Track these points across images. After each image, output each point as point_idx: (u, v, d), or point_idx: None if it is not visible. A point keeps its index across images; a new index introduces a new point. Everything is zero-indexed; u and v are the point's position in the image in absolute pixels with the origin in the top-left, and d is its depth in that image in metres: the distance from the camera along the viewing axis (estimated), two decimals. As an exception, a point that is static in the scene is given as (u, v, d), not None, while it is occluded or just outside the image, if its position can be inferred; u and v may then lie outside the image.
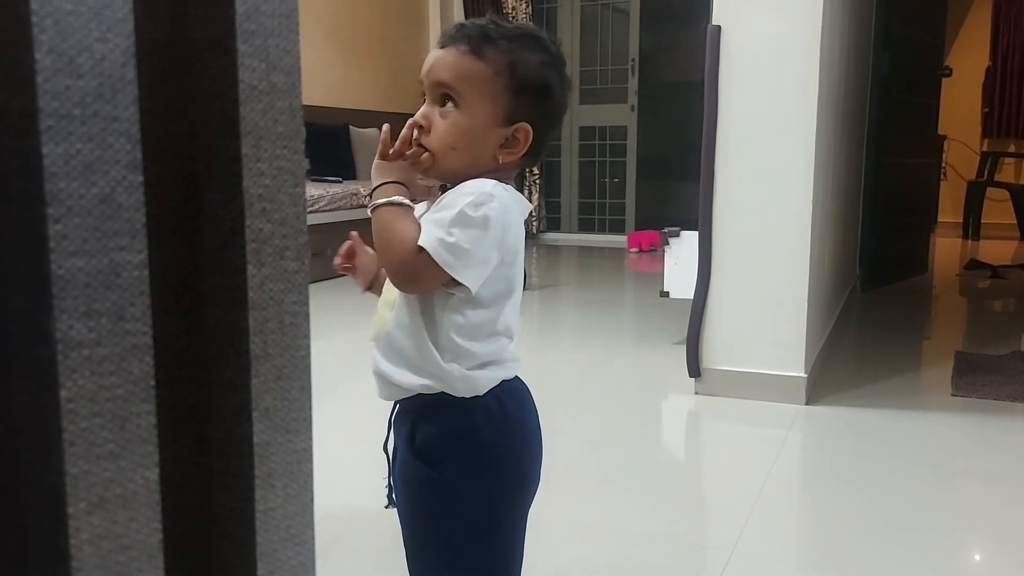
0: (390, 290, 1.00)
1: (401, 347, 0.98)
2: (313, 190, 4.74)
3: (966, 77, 7.54)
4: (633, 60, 6.56)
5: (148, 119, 0.39)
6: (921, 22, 4.65)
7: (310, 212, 4.61)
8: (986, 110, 7.79)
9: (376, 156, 0.97)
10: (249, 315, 0.41)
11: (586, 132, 6.83)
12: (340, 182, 5.15)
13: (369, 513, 1.82)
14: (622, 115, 6.66)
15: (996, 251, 6.13)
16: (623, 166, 6.74)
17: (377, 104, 6.31)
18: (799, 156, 2.47)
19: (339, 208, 4.84)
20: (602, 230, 6.84)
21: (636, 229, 6.44)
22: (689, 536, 1.76)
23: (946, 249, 6.45)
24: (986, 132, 7.83)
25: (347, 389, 2.78)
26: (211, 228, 0.41)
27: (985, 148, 7.62)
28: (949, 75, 4.97)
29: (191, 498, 0.42)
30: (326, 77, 5.86)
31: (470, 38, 0.94)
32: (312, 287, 4.25)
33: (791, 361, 2.56)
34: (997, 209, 7.10)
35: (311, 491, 0.45)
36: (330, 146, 5.70)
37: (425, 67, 0.96)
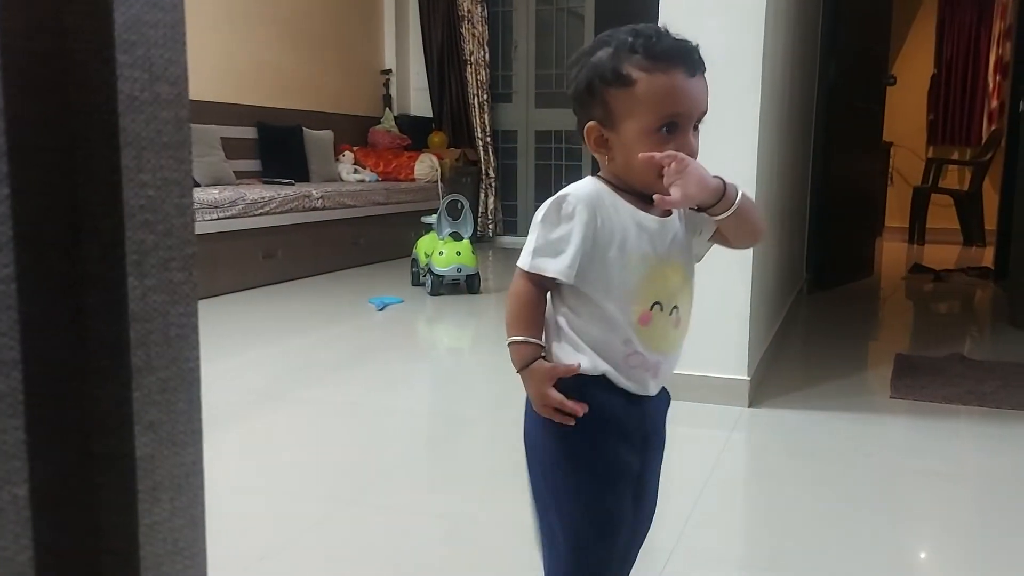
0: (674, 299, 1.05)
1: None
2: (264, 192, 4.69)
3: (912, 85, 7.71)
4: (588, 64, 6.60)
5: (25, 131, 0.38)
6: (867, 31, 4.75)
7: (260, 214, 4.56)
8: (931, 117, 7.98)
9: (692, 172, 0.98)
10: (130, 327, 0.41)
11: (542, 136, 6.85)
12: (292, 184, 5.10)
13: (313, 519, 1.81)
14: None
15: (940, 255, 6.29)
16: (578, 170, 6.77)
17: (331, 105, 6.27)
18: (742, 161, 2.51)
19: (291, 210, 4.79)
20: (557, 233, 6.86)
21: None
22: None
23: (892, 253, 6.59)
24: (931, 139, 8.02)
25: (297, 394, 2.76)
26: (91, 240, 0.41)
27: (930, 155, 7.80)
28: (893, 83, 5.09)
29: (74, 514, 0.42)
30: (278, 78, 5.80)
31: (702, 62, 1.01)
32: (262, 291, 4.24)
33: (734, 364, 2.60)
34: (941, 214, 7.28)
35: (202, 504, 0.45)
36: (282, 147, 5.65)
37: (690, 102, 0.99)
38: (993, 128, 7.36)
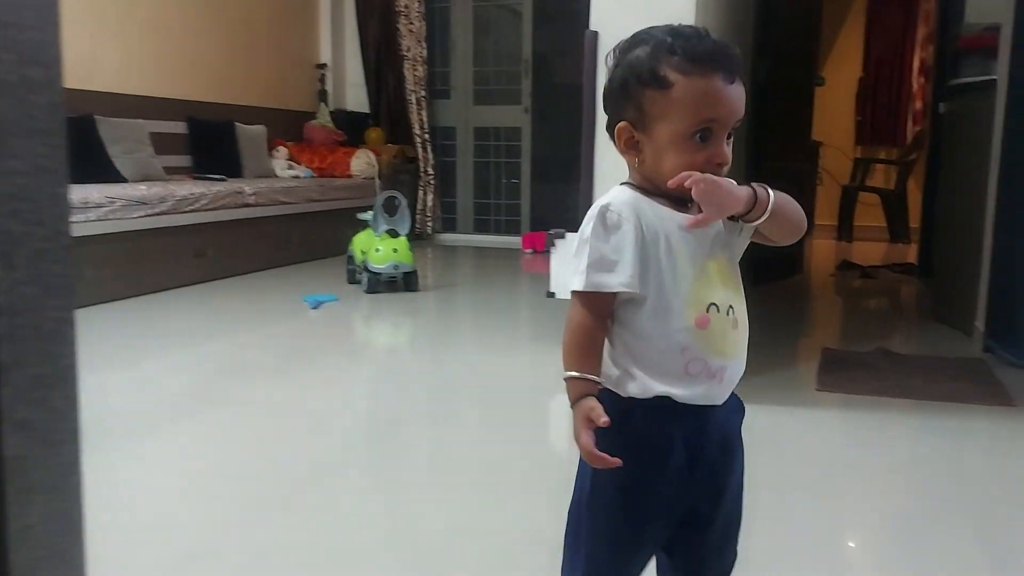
0: (728, 299, 1.01)
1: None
2: (194, 188, 4.58)
3: (840, 86, 7.91)
4: (526, 62, 6.61)
5: None
6: (797, 33, 4.86)
7: (191, 211, 4.46)
8: (859, 118, 8.20)
9: (716, 192, 0.95)
10: (-2, 321, 0.39)
11: (481, 133, 6.84)
12: (224, 180, 5.00)
13: (240, 522, 1.77)
14: (516, 116, 6.71)
15: (867, 252, 6.46)
16: (517, 167, 6.78)
17: (264, 100, 6.17)
18: (673, 160, 2.54)
19: (222, 207, 4.69)
20: (498, 231, 6.86)
21: (531, 230, 6.49)
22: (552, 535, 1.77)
23: (822, 250, 6.76)
24: (859, 139, 8.24)
25: (227, 396, 2.70)
26: (-46, 230, 0.38)
27: (858, 155, 8.02)
28: (823, 84, 5.21)
29: (-61, 518, 0.40)
30: (209, 72, 5.68)
31: (740, 67, 0.98)
32: (192, 290, 4.14)
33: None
34: (869, 213, 7.49)
35: (80, 506, 0.43)
36: (214, 143, 5.53)
37: (727, 108, 0.96)
38: (917, 129, 7.59)
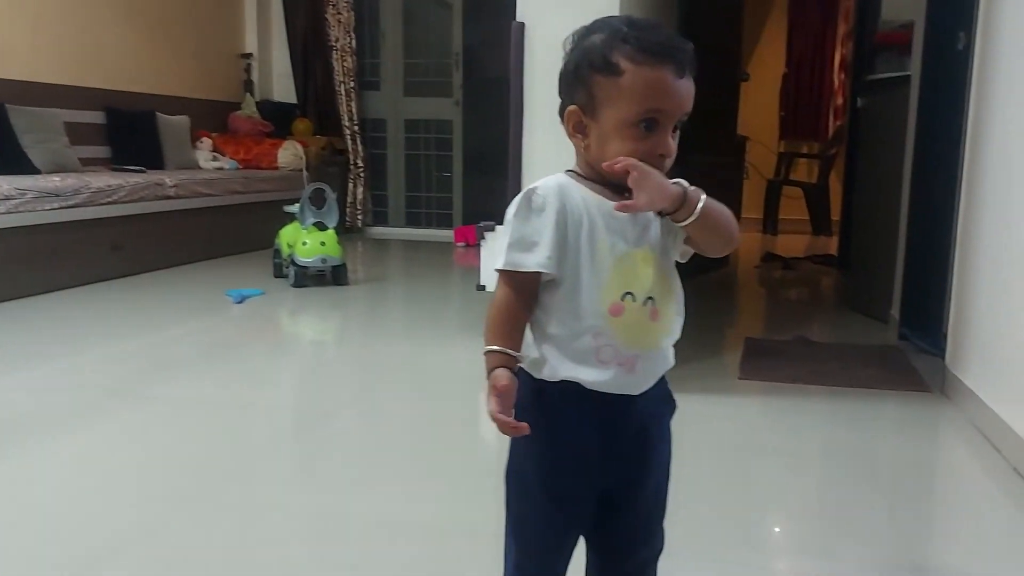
0: (648, 290, 1.02)
1: (675, 332, 1.07)
2: (111, 180, 4.43)
3: (765, 82, 8.08)
4: (457, 54, 6.58)
5: None
6: (720, 30, 4.94)
7: (107, 203, 4.31)
8: (782, 113, 8.40)
9: (650, 182, 0.96)
10: None
11: (411, 125, 6.78)
12: (143, 172, 4.85)
13: (154, 521, 1.72)
14: (447, 109, 6.67)
15: (791, 244, 6.63)
16: (449, 160, 6.75)
17: (186, 90, 6.00)
18: (599, 152, 2.56)
19: (141, 199, 4.55)
20: (429, 224, 6.82)
21: (463, 223, 6.48)
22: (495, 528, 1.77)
23: (748, 243, 6.90)
24: (783, 134, 8.44)
25: (147, 392, 2.62)
26: None
27: (782, 149, 8.21)
28: (747, 79, 5.31)
29: None
30: (129, 60, 5.50)
31: (692, 63, 0.99)
32: (110, 285, 4.01)
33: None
34: (792, 206, 7.68)
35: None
36: (133, 133, 5.36)
37: (674, 100, 0.98)
38: (838, 124, 7.81)
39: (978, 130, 2.54)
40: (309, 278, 4.29)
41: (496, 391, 0.97)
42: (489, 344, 1.00)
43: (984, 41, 2.53)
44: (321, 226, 4.28)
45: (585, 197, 1.00)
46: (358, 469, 2.07)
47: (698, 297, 4.91)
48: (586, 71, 0.98)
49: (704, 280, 4.89)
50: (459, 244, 6.16)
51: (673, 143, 1.00)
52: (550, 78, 2.63)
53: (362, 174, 6.67)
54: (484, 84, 6.57)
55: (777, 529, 1.83)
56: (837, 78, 8.10)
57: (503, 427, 0.98)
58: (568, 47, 1.03)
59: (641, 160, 0.96)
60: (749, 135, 7.86)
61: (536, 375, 1.02)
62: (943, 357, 2.73)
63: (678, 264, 1.07)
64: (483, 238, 3.15)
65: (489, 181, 6.50)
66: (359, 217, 6.69)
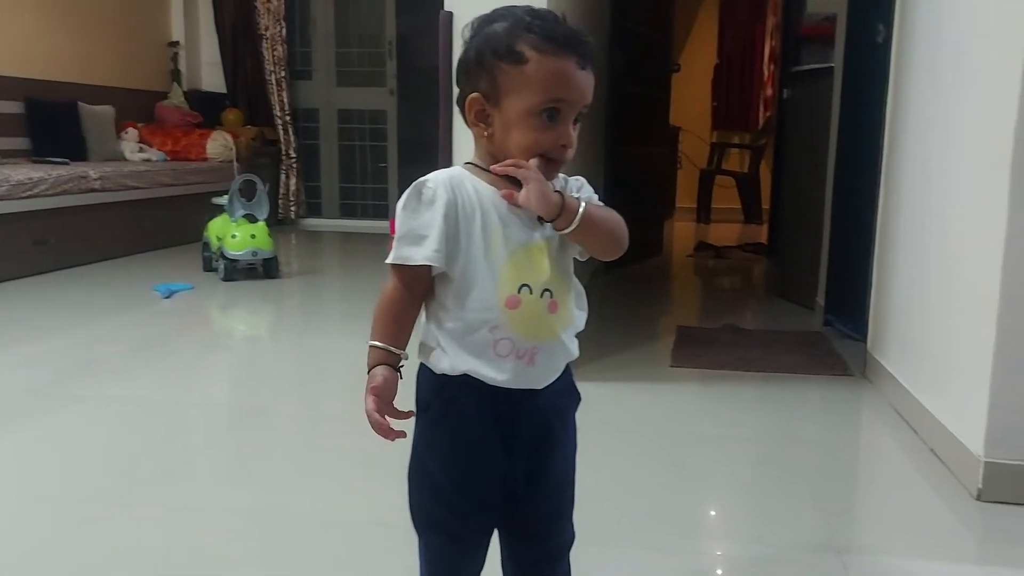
0: (544, 283, 1.01)
1: (578, 324, 1.07)
2: (33, 172, 4.28)
3: (697, 73, 8.21)
4: (390, 43, 6.52)
5: None
6: (652, 21, 4.99)
7: (29, 196, 4.16)
8: (715, 104, 8.54)
9: (536, 186, 0.97)
10: None
11: (345, 115, 6.70)
12: (67, 163, 4.69)
13: (77, 522, 1.67)
14: (381, 99, 6.60)
15: (724, 233, 6.75)
16: (384, 150, 6.69)
17: (110, 79, 5.82)
18: (529, 143, 2.57)
19: (64, 192, 4.40)
20: (365, 215, 6.75)
21: (400, 214, 6.43)
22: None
23: (682, 232, 7.02)
24: (715, 124, 8.59)
25: (72, 391, 2.54)
26: None
27: (714, 139, 8.36)
28: (678, 71, 5.38)
29: None
30: (50, 48, 5.31)
31: (592, 57, 1.00)
32: (32, 281, 3.86)
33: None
34: (725, 195, 7.82)
35: None
36: (55, 124, 5.18)
37: (577, 91, 0.99)
38: (768, 114, 7.98)
39: (896, 121, 2.62)
40: (240, 272, 4.21)
41: (372, 391, 0.99)
42: (372, 339, 1.01)
43: (901, 34, 2.61)
44: (251, 218, 4.21)
45: (479, 189, 1.00)
46: (295, 466, 2.04)
47: (632, 286, 4.99)
48: (490, 59, 0.98)
49: (638, 268, 4.96)
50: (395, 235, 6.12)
51: (574, 135, 1.01)
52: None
53: (294, 165, 6.56)
54: (419, 73, 6.51)
55: (704, 514, 1.87)
56: (767, 69, 8.26)
57: (377, 428, 0.99)
58: (468, 35, 1.02)
59: (544, 151, 0.98)
60: (682, 126, 7.99)
61: (436, 370, 1.01)
62: (865, 342, 2.81)
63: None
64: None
65: (425, 171, 6.39)
66: (292, 209, 6.59)
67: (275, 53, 6.42)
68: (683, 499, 1.88)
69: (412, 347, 1.03)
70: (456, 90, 1.04)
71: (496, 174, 0.99)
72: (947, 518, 1.79)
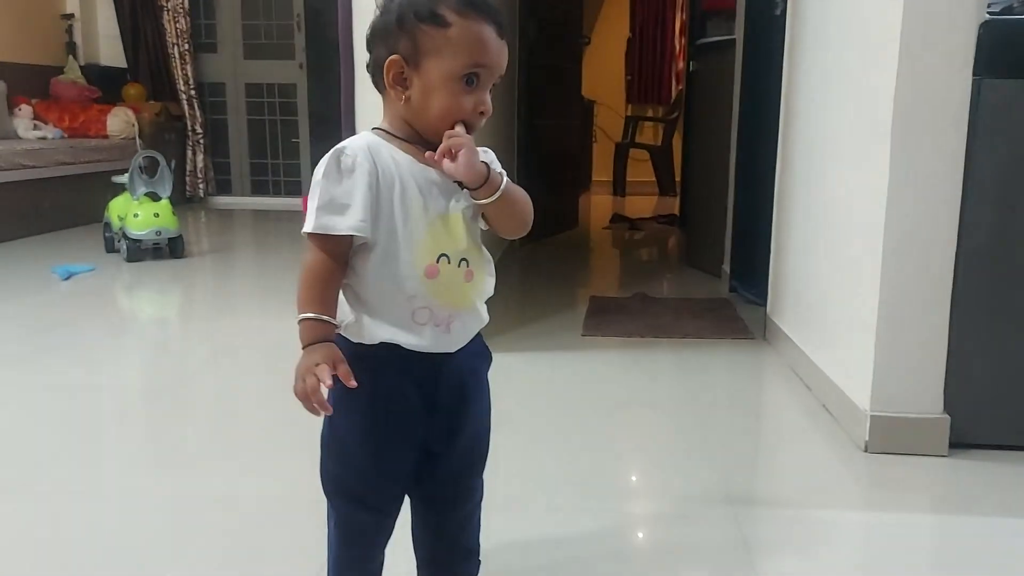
0: (461, 252, 1.03)
1: (488, 291, 1.09)
2: (-86, 150, 4.05)
3: (610, 47, 8.28)
4: (299, 15, 6.37)
5: None
6: (562, -7, 5.00)
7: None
8: (628, 78, 8.63)
9: (468, 153, 0.98)
10: None
11: (253, 89, 6.53)
12: (-48, 141, 4.45)
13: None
14: (291, 72, 6.46)
15: (639, 206, 6.86)
16: (295, 125, 6.56)
17: (1, 53, 5.53)
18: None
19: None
20: (277, 192, 6.62)
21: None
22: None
23: (599, 205, 7.10)
24: (629, 98, 8.68)
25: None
26: None
27: (629, 113, 8.46)
28: (588, 43, 5.41)
29: None
30: (-71, 18, 5.01)
31: (506, 28, 1.02)
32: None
33: (438, 314, 2.66)
34: (640, 168, 7.94)
35: None
36: (-62, 99, 4.91)
37: (496, 58, 1.00)
38: (680, 88, 8.11)
39: (791, 93, 2.70)
40: (144, 252, 4.08)
41: (331, 368, 0.95)
42: (304, 311, 0.98)
43: (796, 6, 2.68)
44: (154, 196, 4.08)
45: (395, 157, 1.00)
46: (207, 446, 2.01)
47: (547, 259, 5.02)
48: (411, 20, 0.97)
49: (555, 241, 5.01)
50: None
51: (489, 100, 1.01)
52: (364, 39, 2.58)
53: (201, 141, 6.38)
54: (329, 46, 6.38)
55: (608, 474, 1.91)
56: (678, 43, 8.38)
57: (321, 406, 0.96)
58: (382, 1, 1.01)
59: (463, 116, 0.99)
60: (597, 99, 8.06)
61: (354, 339, 1.02)
62: (766, 306, 2.91)
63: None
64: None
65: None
66: (200, 186, 6.41)
67: (177, 25, 6.20)
68: (588, 461, 1.92)
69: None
70: (369, 56, 1.03)
71: (426, 129, 1.00)
72: (836, 469, 1.88)
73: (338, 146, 0.99)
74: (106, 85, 6.07)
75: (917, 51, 1.77)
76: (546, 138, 4.87)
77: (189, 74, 6.28)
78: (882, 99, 1.84)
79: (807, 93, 2.52)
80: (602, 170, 8.26)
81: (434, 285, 1.00)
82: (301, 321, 0.98)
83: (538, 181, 4.81)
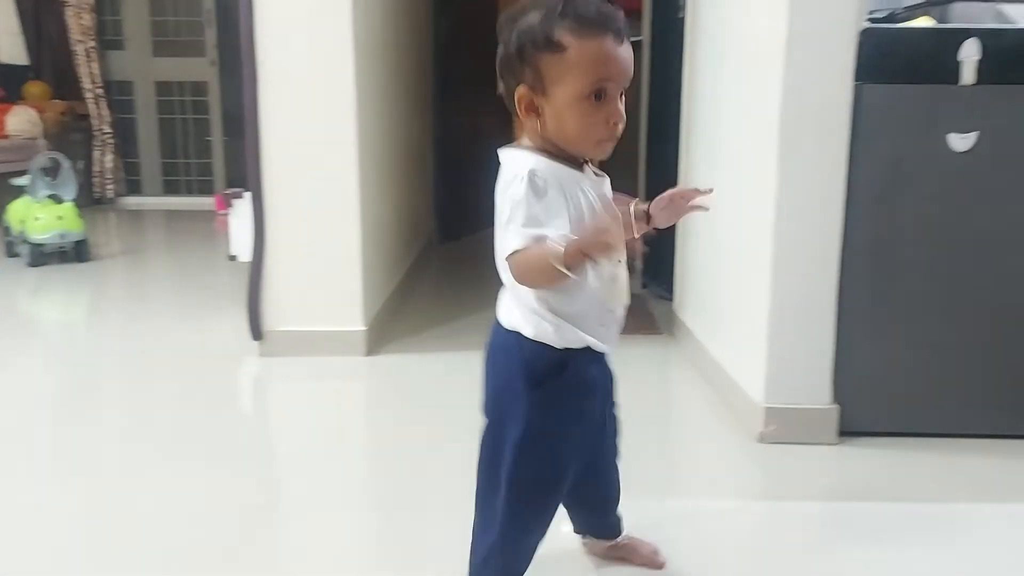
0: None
1: None
2: None
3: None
4: (209, 11, 6.23)
5: None
6: (477, -8, 5.00)
7: None
8: (548, 75, 8.69)
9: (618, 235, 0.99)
10: None
11: (163, 87, 6.36)
12: None
13: None
14: (202, 70, 6.31)
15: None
16: (207, 123, 6.41)
17: None
18: (340, 114, 2.55)
19: None
20: (190, 192, 6.47)
21: (226, 189, 6.20)
22: (249, 497, 1.74)
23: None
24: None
25: None
26: None
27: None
28: (505, 42, 5.42)
29: None
30: None
31: (628, 30, 1.06)
32: None
33: (350, 316, 2.66)
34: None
35: None
36: None
37: (619, 68, 1.02)
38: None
39: (691, 94, 2.78)
40: (47, 256, 3.95)
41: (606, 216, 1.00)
42: (554, 257, 0.97)
43: (695, 8, 2.75)
44: (57, 199, 3.95)
45: (562, 174, 1.05)
46: (119, 453, 1.97)
47: (468, 256, 4.99)
48: (530, 51, 1.01)
49: (476, 239, 5.01)
50: (222, 212, 5.90)
51: (622, 108, 1.05)
52: (284, 40, 2.55)
53: (109, 141, 6.19)
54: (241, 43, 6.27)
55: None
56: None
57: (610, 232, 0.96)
58: (503, 30, 1.05)
59: (597, 128, 1.04)
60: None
61: (558, 345, 1.09)
62: (672, 302, 2.99)
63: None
64: (231, 205, 3.05)
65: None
66: (109, 187, 6.21)
67: (81, 22, 5.99)
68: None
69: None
70: (502, 86, 1.07)
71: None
72: (733, 460, 1.95)
73: (519, 170, 1.02)
74: (7, 83, 5.81)
75: (801, 57, 1.85)
76: (465, 136, 4.87)
77: (95, 72, 6.07)
78: (770, 103, 1.91)
79: (705, 95, 2.60)
80: (523, 167, 8.30)
81: (614, 287, 1.11)
82: (562, 255, 0.97)
83: (457, 180, 4.82)
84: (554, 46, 1.00)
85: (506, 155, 1.08)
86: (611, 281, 1.11)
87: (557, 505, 1.22)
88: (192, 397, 2.37)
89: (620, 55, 1.03)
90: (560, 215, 1.01)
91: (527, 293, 1.08)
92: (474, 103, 5.11)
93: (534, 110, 1.05)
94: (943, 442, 1.97)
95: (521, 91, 1.04)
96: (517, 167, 1.03)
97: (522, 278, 1.04)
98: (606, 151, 1.07)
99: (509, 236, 1.01)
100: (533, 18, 1.02)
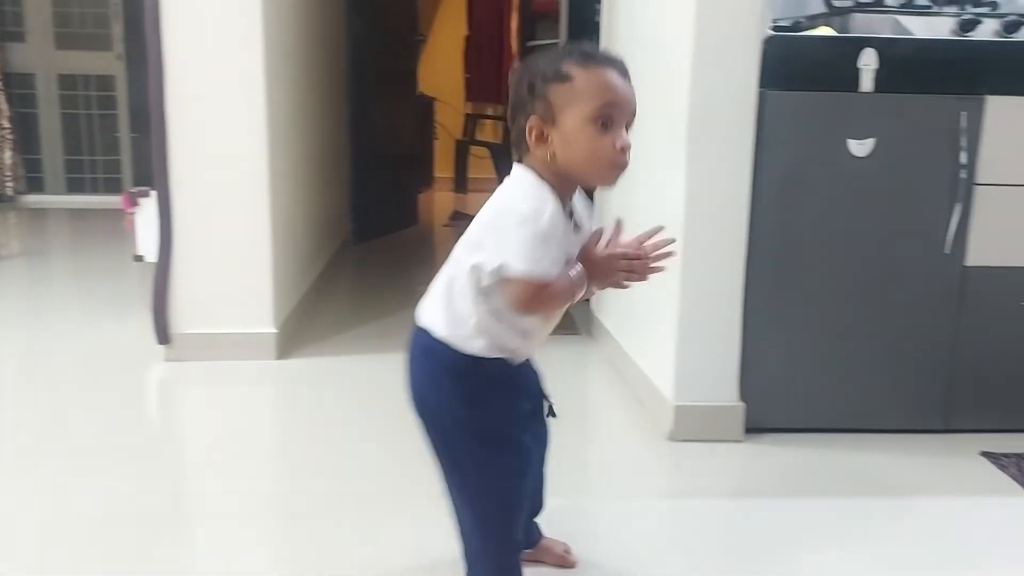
0: None
1: None
2: None
3: (449, 45, 8.30)
4: (116, 3, 6.00)
5: None
6: (395, -10, 4.97)
7: None
8: (467, 76, 8.68)
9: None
10: None
11: (67, 81, 6.10)
12: None
13: None
14: (108, 64, 6.08)
15: (480, 202, 6.86)
16: (115, 119, 6.18)
17: None
18: (250, 113, 2.49)
19: None
20: (96, 190, 6.22)
21: (134, 187, 5.98)
22: (152, 506, 1.68)
23: (441, 202, 7.12)
24: (469, 96, 8.73)
25: None
26: None
27: (468, 111, 8.51)
28: (423, 41, 5.41)
29: None
30: None
31: (628, 74, 1.14)
32: None
33: (260, 318, 2.60)
34: (481, 165, 8.01)
35: None
36: None
37: (623, 95, 1.10)
38: (518, 87, 8.24)
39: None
40: (-62, 257, 3.74)
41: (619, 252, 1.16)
42: (570, 277, 1.12)
43: (610, 15, 2.79)
44: (-52, 197, 3.74)
45: (559, 209, 1.12)
46: (16, 460, 1.88)
47: (384, 256, 4.96)
48: (540, 84, 1.10)
49: (391, 240, 4.97)
50: (129, 211, 5.70)
51: (628, 137, 1.11)
52: (190, 36, 2.48)
53: (9, 136, 5.90)
54: (152, 37, 6.07)
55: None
56: (515, 43, 8.52)
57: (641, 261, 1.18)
58: (516, 79, 1.14)
59: (604, 155, 1.09)
60: (438, 96, 8.06)
61: (501, 356, 1.18)
62: (589, 302, 3.02)
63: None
64: (137, 204, 2.94)
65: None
66: (8, 184, 5.93)
67: (-23, 10, 5.70)
68: (404, 460, 1.92)
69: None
70: (512, 128, 1.14)
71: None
72: (643, 458, 1.98)
73: (538, 208, 1.08)
74: None
75: (707, 64, 1.89)
76: (381, 137, 4.82)
77: (-8, 64, 5.79)
78: (679, 108, 1.95)
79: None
80: (445, 167, 8.28)
81: (549, 321, 1.22)
82: (570, 279, 1.12)
83: (373, 180, 4.77)
84: (562, 76, 1.09)
85: (525, 177, 1.13)
86: (554, 316, 1.22)
87: (528, 484, 1.25)
88: (95, 403, 2.27)
89: (624, 86, 1.11)
90: (558, 251, 1.10)
91: (470, 312, 1.15)
92: (392, 103, 5.08)
93: (544, 139, 1.11)
94: (847, 437, 2.04)
95: (532, 121, 1.11)
96: (540, 202, 1.09)
97: (529, 306, 1.11)
98: (614, 179, 1.12)
99: (522, 258, 1.07)
100: (543, 61, 1.13)
